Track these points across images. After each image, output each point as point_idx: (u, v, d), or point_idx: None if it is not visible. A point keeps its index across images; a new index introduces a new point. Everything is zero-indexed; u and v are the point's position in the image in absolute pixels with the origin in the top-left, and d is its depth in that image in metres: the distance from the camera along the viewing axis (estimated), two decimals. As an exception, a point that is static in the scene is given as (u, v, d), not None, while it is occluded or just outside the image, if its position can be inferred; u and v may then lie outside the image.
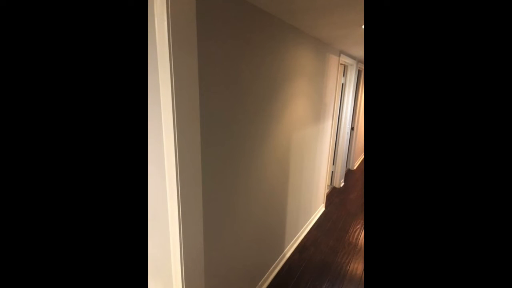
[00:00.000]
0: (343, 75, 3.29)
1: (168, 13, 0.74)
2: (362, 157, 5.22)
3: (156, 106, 0.84)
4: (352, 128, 4.05)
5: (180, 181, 0.88)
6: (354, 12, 1.28)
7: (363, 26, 1.57)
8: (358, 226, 2.68)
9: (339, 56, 2.60)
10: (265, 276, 1.84)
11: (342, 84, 3.32)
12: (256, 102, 1.36)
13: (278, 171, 1.74)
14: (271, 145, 1.59)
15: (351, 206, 3.14)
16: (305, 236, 2.47)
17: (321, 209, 2.93)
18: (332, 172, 3.63)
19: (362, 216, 2.91)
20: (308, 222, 2.58)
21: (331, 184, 3.68)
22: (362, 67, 3.70)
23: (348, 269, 2.05)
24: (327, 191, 3.20)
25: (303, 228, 2.46)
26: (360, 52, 2.65)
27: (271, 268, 1.91)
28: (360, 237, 2.50)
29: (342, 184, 3.75)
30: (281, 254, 2.06)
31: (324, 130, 2.58)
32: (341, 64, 2.78)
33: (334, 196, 3.39)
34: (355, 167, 4.59)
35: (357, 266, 2.08)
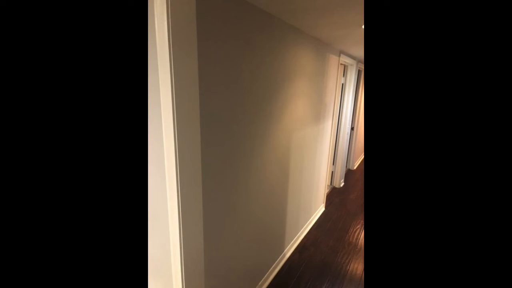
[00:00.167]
0: (343, 75, 3.29)
1: (168, 13, 0.74)
2: (362, 157, 5.22)
3: (156, 106, 0.84)
4: (352, 128, 4.05)
5: (180, 181, 0.88)
6: (354, 12, 1.28)
7: (363, 26, 1.57)
8: (358, 226, 2.68)
9: (339, 56, 2.60)
10: (265, 276, 1.84)
11: (342, 84, 3.32)
12: (256, 102, 1.36)
13: (278, 171, 1.74)
14: (271, 145, 1.59)
15: (351, 206, 3.14)
16: (305, 236, 2.47)
17: (321, 209, 2.93)
18: (332, 172, 3.63)
19: (362, 216, 2.91)
20: (308, 222, 2.58)
21: (331, 184, 3.68)
22: (362, 67, 3.70)
23: (348, 269, 2.05)
24: (327, 191, 3.20)
25: (303, 228, 2.46)
26: (360, 52, 2.65)
27: (271, 268, 1.91)
28: (360, 237, 2.50)
29: (342, 184, 3.75)
30: (281, 254, 2.06)
31: (324, 130, 2.58)
32: (341, 64, 2.78)
33: (334, 196, 3.39)
34: (355, 167, 4.59)
35: (357, 266, 2.08)
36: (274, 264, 1.95)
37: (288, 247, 2.17)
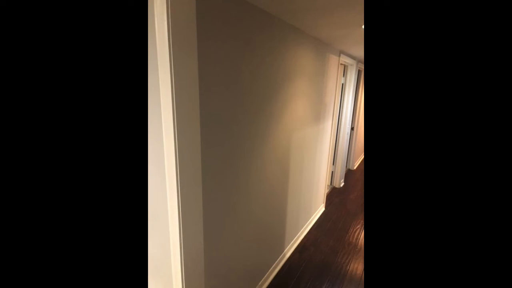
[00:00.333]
0: (343, 75, 3.29)
1: (168, 13, 0.74)
2: (362, 157, 5.22)
3: (156, 106, 0.84)
4: (352, 128, 4.05)
5: (180, 181, 0.88)
6: (354, 12, 1.28)
7: (363, 26, 1.57)
8: (358, 226, 2.68)
9: (339, 56, 2.60)
10: (265, 276, 1.84)
11: (342, 84, 3.32)
12: (256, 102, 1.36)
13: (278, 171, 1.74)
14: (271, 145, 1.59)
15: (351, 206, 3.14)
16: (305, 236, 2.47)
17: (321, 209, 2.93)
18: (332, 172, 3.63)
19: (362, 216, 2.91)
20: (308, 222, 2.58)
21: (331, 184, 3.68)
22: (362, 67, 3.70)
23: (348, 269, 2.05)
24: (327, 191, 3.20)
25: (303, 228, 2.46)
26: (360, 52, 2.65)
27: (271, 268, 1.91)
28: (360, 237, 2.50)
29: (342, 184, 3.75)
30: (281, 254, 2.06)
31: (324, 130, 2.58)
32: (341, 64, 2.78)
33: (334, 196, 3.39)
34: (355, 167, 4.59)
35: (357, 266, 2.08)
36: (274, 264, 1.95)
37: (288, 247, 2.17)
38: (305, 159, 2.20)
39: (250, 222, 1.52)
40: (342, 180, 3.76)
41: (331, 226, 2.66)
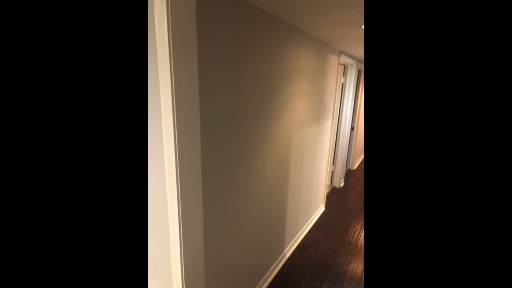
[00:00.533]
0: (343, 75, 3.29)
1: (168, 13, 0.74)
2: (362, 157, 5.22)
3: (156, 106, 0.84)
4: (352, 128, 4.05)
5: (180, 181, 0.88)
6: (354, 12, 1.28)
7: (363, 26, 1.57)
8: (358, 226, 2.68)
9: (339, 56, 2.60)
10: (265, 276, 1.84)
11: (342, 84, 3.32)
12: (256, 102, 1.36)
13: (278, 171, 1.74)
14: (271, 145, 1.59)
15: (351, 206, 3.14)
16: (305, 236, 2.47)
17: (321, 209, 2.93)
18: (332, 172, 3.63)
19: (362, 216, 2.91)
20: (308, 222, 2.58)
21: (331, 184, 3.68)
22: (362, 67, 3.70)
23: (348, 269, 2.05)
24: (327, 191, 3.20)
25: (303, 228, 2.46)
26: (360, 52, 2.65)
27: (271, 268, 1.91)
28: (360, 237, 2.50)
29: (342, 184, 3.75)
30: (281, 254, 2.06)
31: (324, 130, 2.58)
32: (341, 64, 2.78)
33: (334, 196, 3.39)
34: (355, 167, 4.59)
35: (357, 266, 2.08)
36: (274, 264, 1.95)
37: (288, 247, 2.17)
38: (305, 159, 2.20)
39: (250, 222, 1.52)
40: (342, 180, 3.76)
41: (331, 226, 2.66)
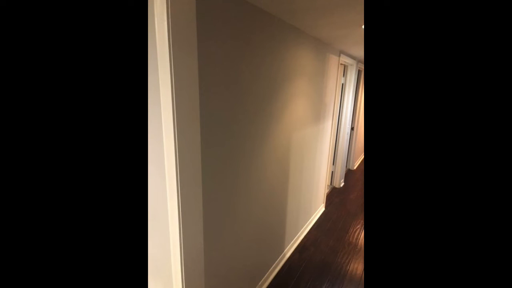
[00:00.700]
0: (343, 75, 3.29)
1: (168, 13, 0.74)
2: (362, 157, 5.22)
3: (156, 106, 0.84)
4: (352, 128, 4.05)
5: (180, 181, 0.88)
6: (354, 12, 1.28)
7: (363, 26, 1.57)
8: (358, 226, 2.68)
9: (339, 56, 2.60)
10: (265, 276, 1.84)
11: (342, 84, 3.32)
12: (256, 102, 1.36)
13: (278, 171, 1.74)
14: (271, 145, 1.59)
15: (351, 206, 3.14)
16: (305, 236, 2.47)
17: (321, 209, 2.93)
18: (332, 172, 3.62)
19: (362, 216, 2.91)
20: (308, 222, 2.58)
21: (331, 184, 3.68)
22: (362, 67, 3.70)
23: (348, 269, 2.05)
24: (327, 191, 3.20)
25: (303, 228, 2.46)
26: (360, 52, 2.65)
27: (271, 268, 1.91)
28: (360, 237, 2.50)
29: (342, 184, 3.75)
30: (281, 254, 2.06)
31: (324, 130, 2.58)
32: (341, 64, 2.78)
33: (334, 196, 3.39)
34: (355, 167, 4.59)
35: (357, 266, 2.08)
36: (274, 264, 1.95)
37: (288, 247, 2.17)
38: (305, 159, 2.20)
39: (250, 222, 1.52)
40: (342, 180, 3.76)
41: (331, 226, 2.66)
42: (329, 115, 2.66)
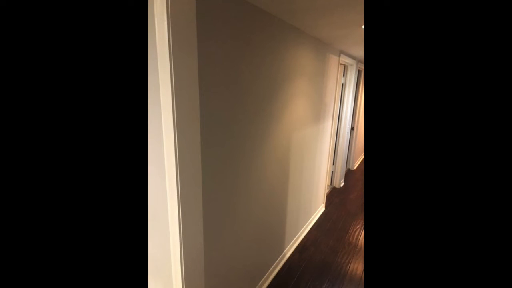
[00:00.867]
0: (343, 75, 3.29)
1: (168, 13, 0.74)
2: (362, 157, 5.22)
3: (156, 106, 0.84)
4: (352, 128, 4.05)
5: (180, 181, 0.88)
6: (354, 12, 1.28)
7: (363, 26, 1.57)
8: (358, 226, 2.68)
9: (339, 56, 2.60)
10: (265, 276, 1.84)
11: (342, 84, 3.32)
12: (256, 102, 1.36)
13: (278, 171, 1.74)
14: (271, 145, 1.59)
15: (351, 206, 3.14)
16: (305, 236, 2.47)
17: (321, 209, 2.93)
18: (332, 172, 3.62)
19: (362, 216, 2.91)
20: (308, 222, 2.58)
21: (331, 184, 3.68)
22: (362, 67, 3.70)
23: (348, 269, 2.05)
24: (327, 191, 3.20)
25: (303, 228, 2.46)
26: (360, 52, 2.65)
27: (271, 268, 1.91)
28: (360, 237, 2.50)
29: (342, 184, 3.75)
30: (281, 254, 2.06)
31: (324, 130, 2.58)
32: (341, 64, 2.78)
33: (334, 196, 3.39)
34: (355, 167, 4.59)
35: (357, 266, 2.08)
36: (274, 264, 1.95)
37: (288, 247, 2.17)
38: (305, 159, 2.20)
39: (250, 222, 1.52)
40: (342, 180, 3.76)
41: (331, 226, 2.66)
42: (329, 115, 2.66)
